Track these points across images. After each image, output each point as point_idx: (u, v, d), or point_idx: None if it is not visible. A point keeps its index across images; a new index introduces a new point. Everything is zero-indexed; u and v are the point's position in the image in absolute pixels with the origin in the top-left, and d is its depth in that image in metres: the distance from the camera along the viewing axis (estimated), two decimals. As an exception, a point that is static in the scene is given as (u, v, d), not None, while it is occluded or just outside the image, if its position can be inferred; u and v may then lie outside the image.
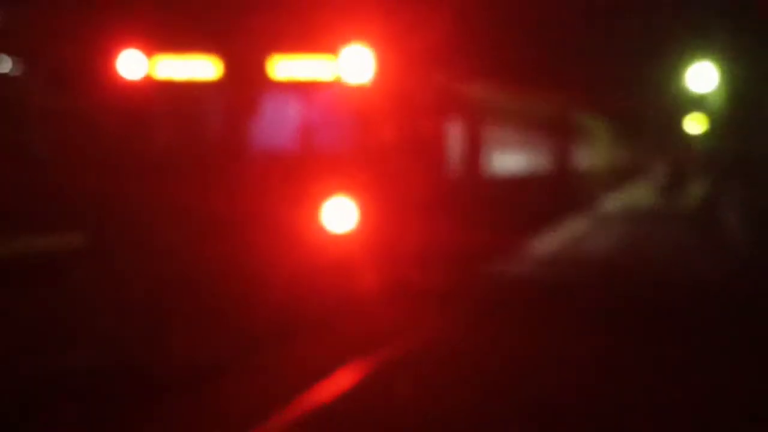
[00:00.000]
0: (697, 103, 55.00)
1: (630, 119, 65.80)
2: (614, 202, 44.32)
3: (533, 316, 14.06)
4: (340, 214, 13.16)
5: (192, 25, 13.92)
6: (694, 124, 66.55)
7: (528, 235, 24.20)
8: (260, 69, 13.44)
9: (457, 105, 17.88)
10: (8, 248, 17.70)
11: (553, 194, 29.16)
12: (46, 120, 19.65)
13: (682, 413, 9.10)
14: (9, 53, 19.23)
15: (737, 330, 13.09)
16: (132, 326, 12.41)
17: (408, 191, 14.76)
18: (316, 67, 13.33)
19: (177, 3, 14.06)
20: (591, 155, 40.38)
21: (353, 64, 13.17)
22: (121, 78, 13.70)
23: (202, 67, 13.71)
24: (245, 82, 13.53)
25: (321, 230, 13.11)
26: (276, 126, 13.79)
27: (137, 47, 13.68)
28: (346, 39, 13.22)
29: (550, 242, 24.20)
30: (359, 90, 13.29)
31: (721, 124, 45.95)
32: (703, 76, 44.18)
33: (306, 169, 13.33)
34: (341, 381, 9.94)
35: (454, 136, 17.45)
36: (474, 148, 18.78)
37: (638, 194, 52.40)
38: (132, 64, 13.69)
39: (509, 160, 22.29)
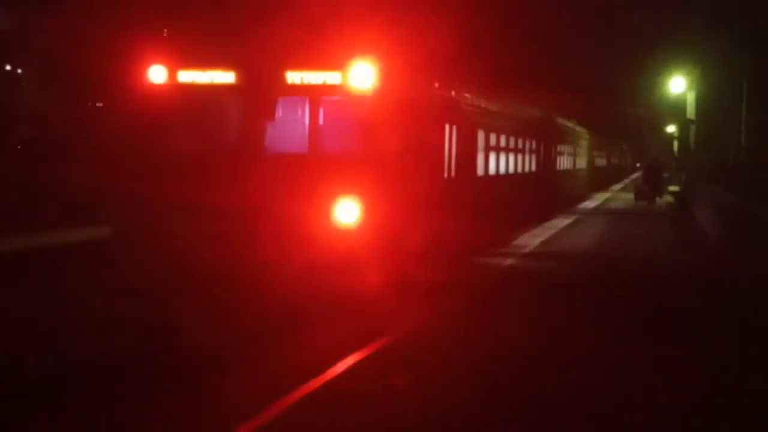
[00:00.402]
0: (674, 112, 55.50)
1: (611, 125, 66.18)
2: (595, 202, 44.73)
3: (523, 306, 14.75)
4: (347, 212, 13.70)
5: (214, 42, 14.66)
6: (672, 131, 67.06)
7: (516, 231, 24.84)
8: (275, 81, 14.07)
9: (453, 112, 18.41)
10: (36, 241, 17.95)
11: (538, 194, 29.77)
12: (79, 123, 20.22)
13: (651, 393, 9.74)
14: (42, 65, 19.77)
15: (706, 316, 13.93)
16: (144, 316, 12.59)
17: (409, 191, 15.31)
18: (325, 78, 13.92)
19: (201, 23, 14.71)
20: (574, 158, 40.89)
21: (359, 76, 13.80)
22: (150, 88, 14.43)
23: (222, 79, 14.39)
24: (261, 92, 14.17)
25: (330, 226, 13.63)
26: (289, 131, 14.47)
27: (164, 62, 14.45)
28: (352, 53, 13.85)
29: (534, 238, 24.79)
30: (365, 99, 13.88)
31: (697, 131, 46.26)
32: (679, 87, 44.89)
33: (316, 171, 13.88)
34: (342, 369, 10.30)
35: (450, 140, 17.96)
36: (467, 152, 19.30)
37: (618, 195, 52.74)
38: (159, 76, 14.44)
39: (499, 162, 22.88)
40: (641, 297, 15.61)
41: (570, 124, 39.71)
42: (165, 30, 14.36)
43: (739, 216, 36.58)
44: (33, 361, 10.50)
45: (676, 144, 63.99)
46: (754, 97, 49.57)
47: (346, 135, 14.19)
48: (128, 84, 14.63)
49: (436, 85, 17.79)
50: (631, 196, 46.56)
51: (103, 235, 15.58)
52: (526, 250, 22.01)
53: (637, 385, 10.02)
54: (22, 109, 19.61)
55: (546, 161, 30.94)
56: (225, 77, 14.39)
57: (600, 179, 56.04)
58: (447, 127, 17.81)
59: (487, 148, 21.44)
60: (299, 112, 14.60)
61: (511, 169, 24.54)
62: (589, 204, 42.55)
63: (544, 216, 29.98)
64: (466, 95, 19.74)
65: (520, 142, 25.70)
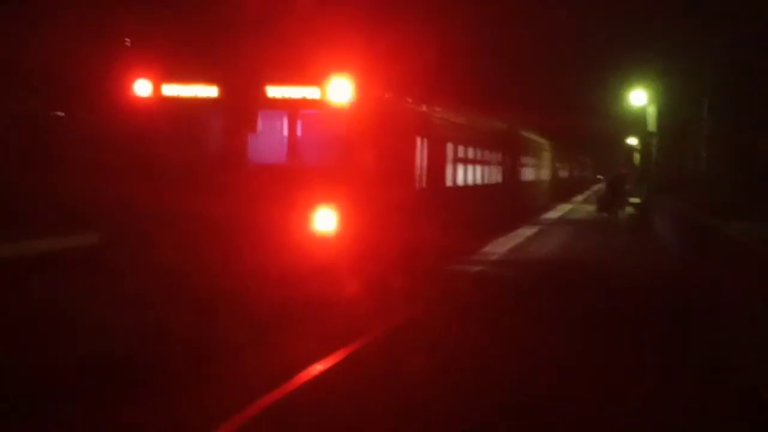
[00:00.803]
0: (635, 125, 56.24)
1: (573, 137, 67.07)
2: (558, 213, 45.51)
3: (489, 306, 15.64)
4: (325, 220, 14.44)
5: (198, 58, 15.40)
6: (633, 144, 67.94)
7: (482, 240, 25.67)
8: (256, 95, 14.83)
9: (423, 125, 19.23)
10: (29, 248, 18.40)
11: (504, 204, 30.66)
12: (71, 134, 20.82)
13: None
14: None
15: (661, 322, 14.72)
16: (133, 317, 13.18)
17: (383, 200, 16.11)
18: (304, 93, 14.70)
19: (185, 39, 15.42)
20: (537, 170, 41.76)
21: (337, 91, 14.59)
22: (136, 101, 15.14)
23: (205, 93, 15.11)
24: (243, 105, 14.91)
25: (308, 234, 14.37)
26: (269, 143, 15.18)
27: (150, 76, 15.16)
28: (330, 69, 14.62)
29: (501, 246, 25.65)
30: (342, 113, 14.66)
31: (657, 144, 46.85)
32: (640, 100, 45.63)
33: (296, 181, 14.62)
34: (324, 366, 10.83)
35: (421, 152, 18.79)
36: (437, 163, 20.15)
37: (580, 206, 53.50)
38: (145, 90, 15.16)
39: (466, 173, 23.69)
40: (601, 303, 16.42)
41: (534, 137, 40.53)
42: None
43: (698, 229, 37.79)
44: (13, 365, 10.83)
45: (637, 156, 65.07)
46: (714, 111, 50.35)
47: (324, 147, 14.91)
48: (116, 97, 15.26)
49: (408, 99, 18.60)
50: (593, 207, 46.87)
51: (91, 242, 16.19)
52: (494, 258, 22.81)
53: (596, 386, 10.57)
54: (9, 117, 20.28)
55: (511, 173, 31.82)
56: (208, 91, 15.08)
57: (563, 191, 56.88)
58: (418, 139, 18.65)
59: (455, 160, 22.29)
60: (279, 125, 15.30)
61: (478, 180, 25.36)
62: (553, 215, 43.33)
63: (509, 226, 30.83)
64: (436, 109, 20.57)
65: (486, 154, 26.54)
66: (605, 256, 24.45)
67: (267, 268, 14.08)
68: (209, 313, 13.08)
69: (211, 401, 9.38)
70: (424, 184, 19.06)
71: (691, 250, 27.40)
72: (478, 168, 25.33)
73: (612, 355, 12.13)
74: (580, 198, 65.57)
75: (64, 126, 21.32)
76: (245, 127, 15.02)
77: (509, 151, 31.25)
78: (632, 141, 69.95)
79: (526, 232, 31.19)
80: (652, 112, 44.50)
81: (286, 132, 15.16)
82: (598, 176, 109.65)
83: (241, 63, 15.07)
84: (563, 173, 60.55)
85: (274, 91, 14.84)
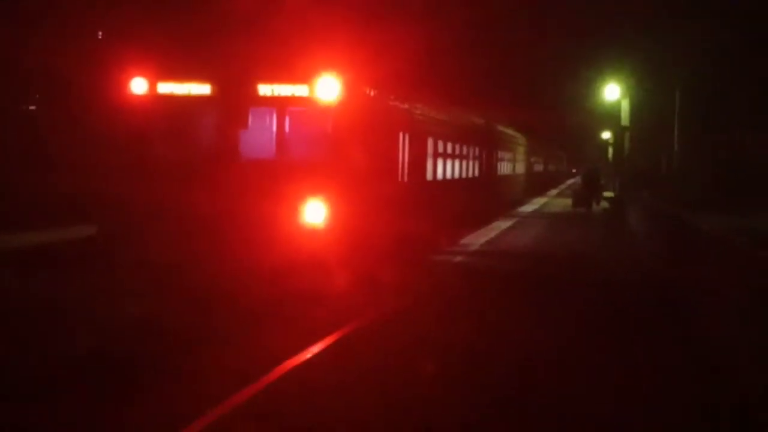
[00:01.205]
0: (609, 119, 56.78)
1: (548, 131, 67.80)
2: (533, 206, 46.01)
3: (474, 299, 16.32)
4: (315, 212, 15.24)
5: (191, 57, 16.21)
6: (607, 137, 68.72)
7: (462, 232, 26.54)
8: (247, 92, 15.62)
9: (406, 121, 20.10)
10: (24, 240, 19.05)
11: (481, 198, 31.56)
12: (66, 131, 21.48)
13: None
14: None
15: (634, 312, 15.39)
16: (121, 310, 13.81)
17: (368, 194, 16.96)
18: (293, 91, 15.51)
19: (180, 38, 16.18)
20: (513, 164, 42.52)
21: (325, 88, 15.40)
22: (132, 98, 15.89)
23: (198, 90, 15.89)
24: (234, 102, 15.69)
25: (298, 226, 15.16)
26: (260, 139, 15.91)
27: (145, 74, 15.92)
28: (318, 68, 15.43)
29: (479, 238, 26.48)
30: (330, 109, 15.49)
31: (631, 138, 47.23)
32: (613, 94, 46.14)
33: (286, 175, 15.41)
34: (314, 352, 11.28)
35: (403, 147, 19.65)
36: (418, 158, 21.03)
37: (555, 200, 53.96)
38: (141, 88, 15.91)
39: (446, 167, 24.56)
40: (581, 297, 17.07)
41: (509, 131, 41.31)
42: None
43: (669, 221, 38.65)
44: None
45: (610, 150, 65.83)
46: (686, 106, 50.68)
47: (313, 142, 15.70)
48: (113, 95, 16.00)
49: (392, 96, 19.47)
50: (567, 201, 46.87)
51: (86, 235, 16.90)
52: (473, 248, 23.67)
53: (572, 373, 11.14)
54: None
55: (487, 167, 32.69)
56: (201, 89, 15.87)
57: (537, 184, 57.61)
58: (400, 135, 19.53)
59: (435, 155, 23.18)
60: (270, 122, 16.06)
61: (456, 174, 26.24)
62: (528, 208, 43.99)
63: (486, 218, 31.70)
64: (417, 105, 21.45)
65: (464, 148, 27.43)
66: (582, 250, 25.13)
67: (258, 261, 14.79)
68: (200, 306, 13.62)
69: (196, 392, 9.65)
70: (406, 179, 19.89)
71: (665, 243, 28.18)
72: (457, 162, 26.17)
73: (597, 347, 12.55)
74: (554, 192, 66.03)
75: (61, 124, 21.99)
76: (237, 124, 15.77)
77: (486, 145, 32.09)
78: (606, 135, 70.87)
79: (503, 224, 31.93)
80: (625, 106, 44.73)
81: (276, 128, 15.86)
82: (573, 170, 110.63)
83: (233, 61, 15.85)
84: (538, 167, 61.27)
85: (264, 89, 15.61)
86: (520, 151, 46.39)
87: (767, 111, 46.84)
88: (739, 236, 28.51)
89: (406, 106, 20.40)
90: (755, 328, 14.39)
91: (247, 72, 15.70)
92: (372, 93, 17.83)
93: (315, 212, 15.31)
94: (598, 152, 78.02)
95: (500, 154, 36.83)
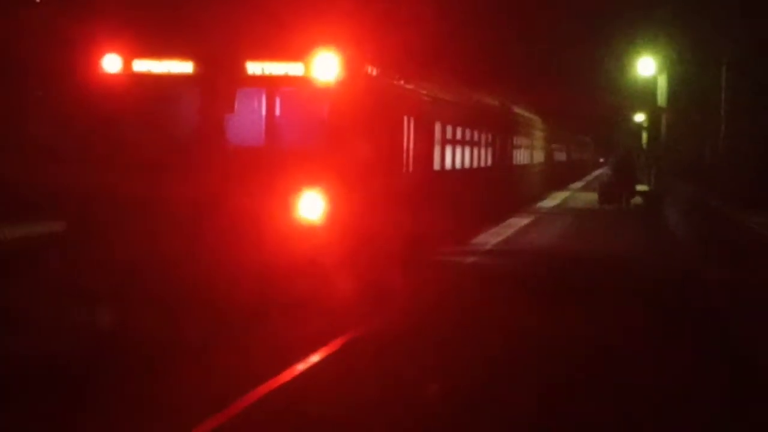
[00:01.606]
0: (643, 98, 56.49)
1: (572, 114, 68.00)
2: (554, 201, 46.88)
3: (489, 304, 16.98)
4: (312, 205, 15.89)
5: (171, 31, 16.82)
6: (640, 120, 68.84)
7: (473, 229, 27.59)
8: (234, 71, 16.26)
9: (411, 103, 20.87)
10: None
11: (494, 191, 32.52)
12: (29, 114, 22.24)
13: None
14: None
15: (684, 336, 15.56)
16: (106, 310, 14.46)
17: (371, 186, 17.66)
18: (287, 69, 16.18)
19: (157, 10, 16.92)
20: (531, 152, 43.32)
21: (322, 67, 16.05)
22: (104, 78, 16.55)
23: (179, 69, 16.56)
24: (220, 83, 16.30)
25: (292, 222, 15.81)
26: (248, 123, 16.57)
27: (119, 50, 16.58)
28: (315, 43, 16.11)
29: (493, 236, 27.51)
30: (328, 90, 16.13)
31: (669, 121, 47.44)
32: (648, 69, 45.92)
33: (279, 164, 16.05)
34: (301, 370, 11.66)
35: (409, 133, 20.47)
36: (425, 145, 21.89)
37: (578, 195, 54.59)
38: (114, 66, 16.58)
39: (455, 156, 25.47)
40: (603, 302, 17.71)
41: (527, 114, 41.99)
42: (120, 17, 16.52)
43: (714, 219, 38.42)
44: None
45: (645, 135, 66.21)
46: (734, 81, 49.47)
47: (308, 127, 16.38)
48: (81, 74, 16.73)
49: (397, 75, 20.18)
50: (593, 196, 46.60)
51: (52, 231, 17.67)
52: (487, 248, 24.67)
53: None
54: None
55: (502, 155, 33.61)
56: (182, 67, 16.51)
57: (559, 176, 58.37)
58: (405, 119, 20.29)
59: (444, 141, 24.05)
60: (260, 104, 16.70)
61: (467, 164, 27.16)
62: (547, 203, 44.67)
63: (501, 215, 32.78)
64: (424, 85, 22.27)
65: (475, 134, 28.33)
66: (612, 252, 25.87)
67: (246, 262, 15.40)
68: (173, 315, 14.05)
69: (153, 417, 9.85)
70: (411, 169, 20.71)
71: (715, 250, 27.73)
72: (467, 151, 27.05)
73: (633, 368, 12.82)
74: (579, 184, 66.62)
75: (22, 106, 22.68)
76: (223, 107, 16.35)
77: (500, 130, 33.00)
78: (640, 118, 71.22)
79: (519, 222, 32.85)
80: (662, 83, 45.31)
81: (266, 111, 16.53)
82: (601, 159, 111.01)
83: (219, 36, 16.44)
84: (560, 156, 61.90)
85: (253, 67, 16.25)
86: (539, 137, 46.89)
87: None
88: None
89: (412, 86, 21.14)
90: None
91: (234, 48, 16.25)
92: (375, 72, 18.43)
93: (311, 206, 15.87)
94: (630, 138, 78.30)
95: (516, 140, 37.57)
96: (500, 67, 42.85)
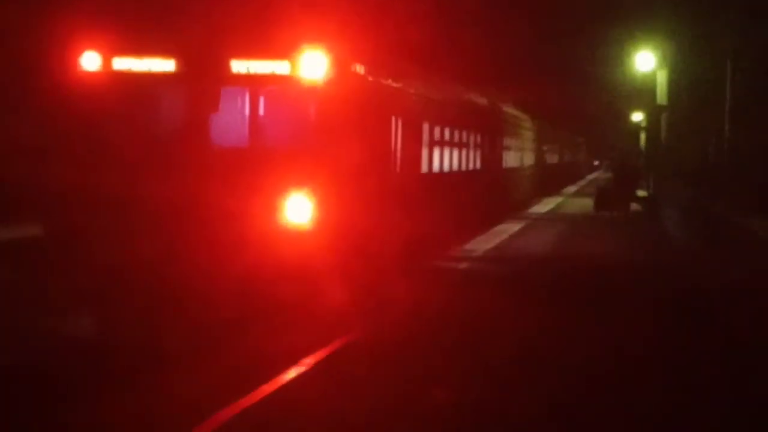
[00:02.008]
0: (641, 96, 56.64)
1: (564, 113, 68.65)
2: (545, 207, 47.64)
3: (478, 310, 17.88)
4: (297, 210, 16.79)
5: (153, 27, 17.74)
6: (638, 120, 69.39)
7: (464, 234, 28.67)
8: (219, 70, 17.14)
9: (400, 103, 21.91)
10: None
11: (482, 195, 33.69)
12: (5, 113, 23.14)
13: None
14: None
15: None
16: (88, 314, 15.35)
17: (361, 188, 18.59)
18: (273, 68, 17.07)
19: (139, 5, 17.89)
20: (521, 154, 44.41)
21: (309, 65, 16.95)
22: (82, 76, 17.44)
23: (161, 67, 17.45)
24: (204, 81, 17.18)
25: (279, 225, 16.71)
26: (233, 124, 17.48)
27: (98, 48, 17.48)
28: (302, 41, 16.99)
29: (485, 242, 28.59)
30: (316, 89, 17.04)
31: (669, 120, 48.07)
32: (647, 64, 46.11)
33: (265, 165, 16.94)
34: (285, 381, 12.07)
35: (396, 133, 21.50)
36: (413, 147, 22.99)
37: (571, 200, 55.35)
38: (93, 64, 17.48)
39: (443, 158, 26.54)
40: (602, 310, 18.42)
41: (517, 113, 43.00)
42: (100, 14, 17.52)
43: (717, 227, 38.53)
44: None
45: (643, 136, 66.90)
46: (740, 76, 49.56)
47: (295, 127, 17.28)
48: (58, 72, 17.60)
49: (385, 74, 21.20)
50: (587, 202, 46.84)
51: (31, 234, 18.58)
52: (473, 253, 25.68)
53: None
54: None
55: (491, 158, 34.69)
56: (164, 65, 17.39)
57: (551, 180, 59.29)
58: (393, 119, 21.29)
59: (432, 143, 25.12)
60: (245, 103, 17.60)
61: (456, 166, 28.29)
62: (538, 210, 45.44)
63: (491, 220, 33.91)
64: (412, 83, 23.38)
65: (464, 135, 29.43)
66: (609, 262, 26.63)
67: (230, 267, 16.22)
68: (157, 318, 14.82)
69: (143, 425, 10.31)
70: (399, 171, 21.78)
71: (722, 260, 27.50)
72: (455, 153, 28.14)
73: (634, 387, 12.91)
74: (572, 189, 67.32)
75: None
76: (207, 106, 17.19)
77: (489, 131, 34.08)
78: (638, 117, 71.77)
79: (510, 228, 33.79)
80: (662, 79, 45.61)
81: (252, 111, 17.44)
82: (595, 162, 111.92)
83: (202, 33, 17.29)
84: (552, 158, 62.62)
85: (238, 66, 17.12)
86: (529, 137, 47.72)
87: None
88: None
89: (400, 84, 22.16)
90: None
91: (218, 46, 17.08)
92: (363, 70, 19.31)
93: (297, 208, 16.75)
94: (628, 139, 78.89)
95: (506, 141, 38.52)
96: (488, 63, 43.79)
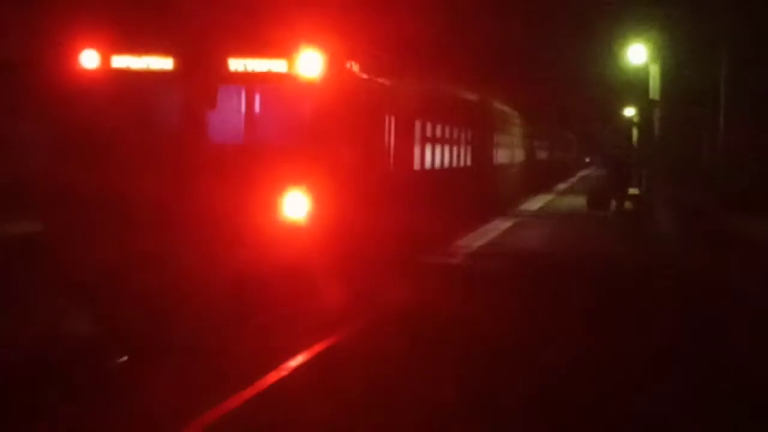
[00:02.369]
0: (633, 90, 57.17)
1: (554, 108, 69.18)
2: (535, 204, 48.50)
3: (472, 306, 18.56)
4: (294, 206, 17.46)
5: (151, 26, 18.40)
6: (631, 115, 69.86)
7: (457, 231, 29.51)
8: (216, 68, 17.81)
9: (393, 100, 22.62)
10: None
11: (477, 192, 34.62)
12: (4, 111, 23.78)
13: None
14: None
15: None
16: (85, 309, 16.05)
17: (357, 185, 19.28)
18: (270, 66, 17.77)
19: (137, 4, 18.62)
20: (512, 151, 45.25)
21: (307, 63, 17.64)
22: (81, 74, 18.09)
23: (159, 65, 18.13)
24: (202, 79, 17.81)
25: (276, 222, 17.36)
26: (230, 121, 18.16)
27: (96, 46, 18.12)
28: (299, 40, 17.69)
29: (476, 238, 29.47)
30: (312, 87, 17.73)
31: (662, 116, 48.54)
32: (639, 58, 46.31)
33: (263, 163, 17.58)
34: (289, 367, 12.73)
35: (391, 131, 22.28)
36: (407, 143, 23.78)
37: (562, 199, 56.15)
38: (91, 62, 18.14)
39: (436, 155, 27.41)
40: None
41: (507, 110, 43.73)
42: (98, 13, 18.27)
43: (720, 232, 37.28)
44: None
45: (635, 132, 67.55)
46: (736, 72, 48.79)
47: (292, 124, 17.92)
48: (57, 70, 18.25)
49: (379, 71, 21.90)
50: (579, 200, 47.33)
51: (31, 231, 19.17)
52: (466, 249, 26.50)
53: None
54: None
55: (483, 154, 35.55)
56: (162, 63, 18.04)
57: (541, 177, 60.19)
58: (387, 116, 22.05)
59: (424, 140, 25.88)
60: (242, 101, 18.30)
61: (447, 163, 29.11)
62: (529, 207, 46.13)
63: (479, 216, 34.75)
64: (405, 80, 24.17)
65: (456, 132, 30.26)
66: (599, 258, 27.61)
67: (226, 265, 16.83)
68: (152, 315, 15.46)
69: (133, 424, 10.68)
70: (392, 168, 22.56)
71: (716, 264, 27.77)
72: (446, 150, 28.96)
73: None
74: (562, 186, 68.10)
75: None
76: (204, 104, 17.80)
77: (480, 127, 34.89)
78: (630, 113, 72.37)
79: (501, 225, 34.76)
80: (655, 73, 45.89)
81: (248, 108, 18.12)
82: (587, 159, 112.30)
83: (200, 31, 17.93)
84: (541, 154, 63.32)
85: (235, 64, 17.78)
86: (520, 134, 48.40)
87: None
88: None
89: (394, 82, 22.88)
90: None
91: (215, 44, 17.71)
92: (358, 68, 20.02)
93: (294, 205, 17.40)
94: (619, 135, 79.27)
95: (497, 138, 39.29)
96: (478, 59, 44.32)
